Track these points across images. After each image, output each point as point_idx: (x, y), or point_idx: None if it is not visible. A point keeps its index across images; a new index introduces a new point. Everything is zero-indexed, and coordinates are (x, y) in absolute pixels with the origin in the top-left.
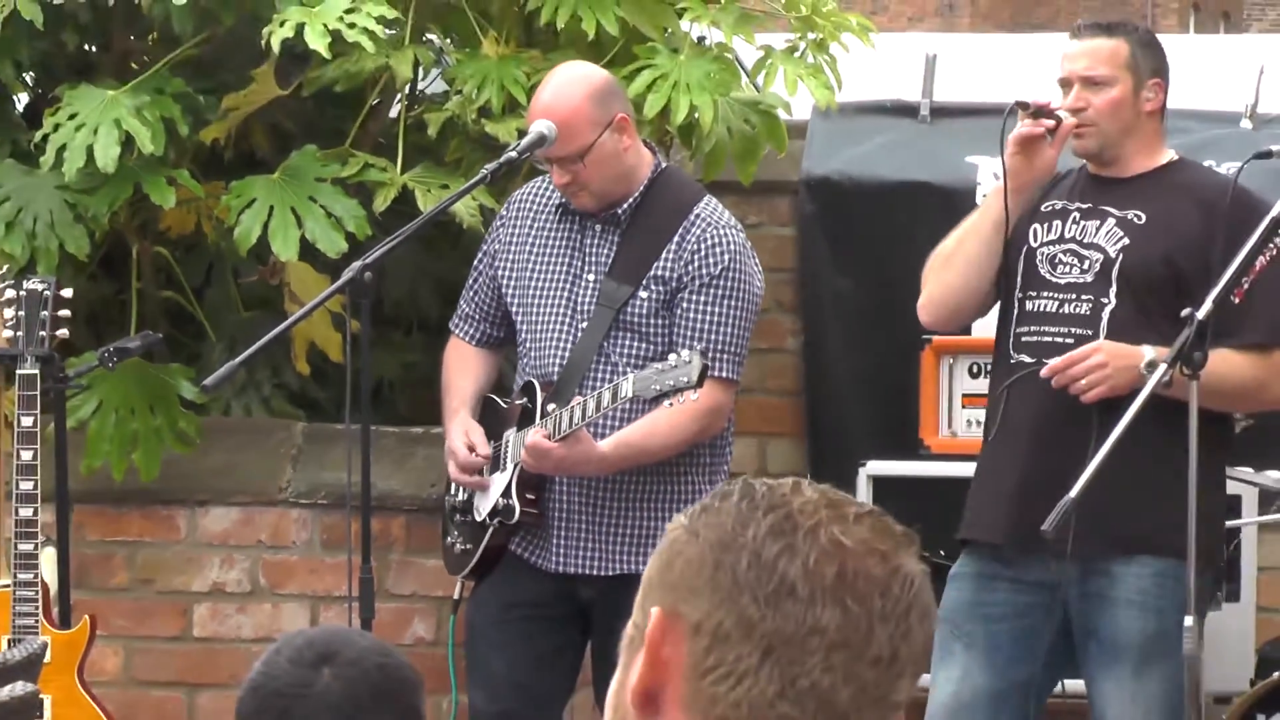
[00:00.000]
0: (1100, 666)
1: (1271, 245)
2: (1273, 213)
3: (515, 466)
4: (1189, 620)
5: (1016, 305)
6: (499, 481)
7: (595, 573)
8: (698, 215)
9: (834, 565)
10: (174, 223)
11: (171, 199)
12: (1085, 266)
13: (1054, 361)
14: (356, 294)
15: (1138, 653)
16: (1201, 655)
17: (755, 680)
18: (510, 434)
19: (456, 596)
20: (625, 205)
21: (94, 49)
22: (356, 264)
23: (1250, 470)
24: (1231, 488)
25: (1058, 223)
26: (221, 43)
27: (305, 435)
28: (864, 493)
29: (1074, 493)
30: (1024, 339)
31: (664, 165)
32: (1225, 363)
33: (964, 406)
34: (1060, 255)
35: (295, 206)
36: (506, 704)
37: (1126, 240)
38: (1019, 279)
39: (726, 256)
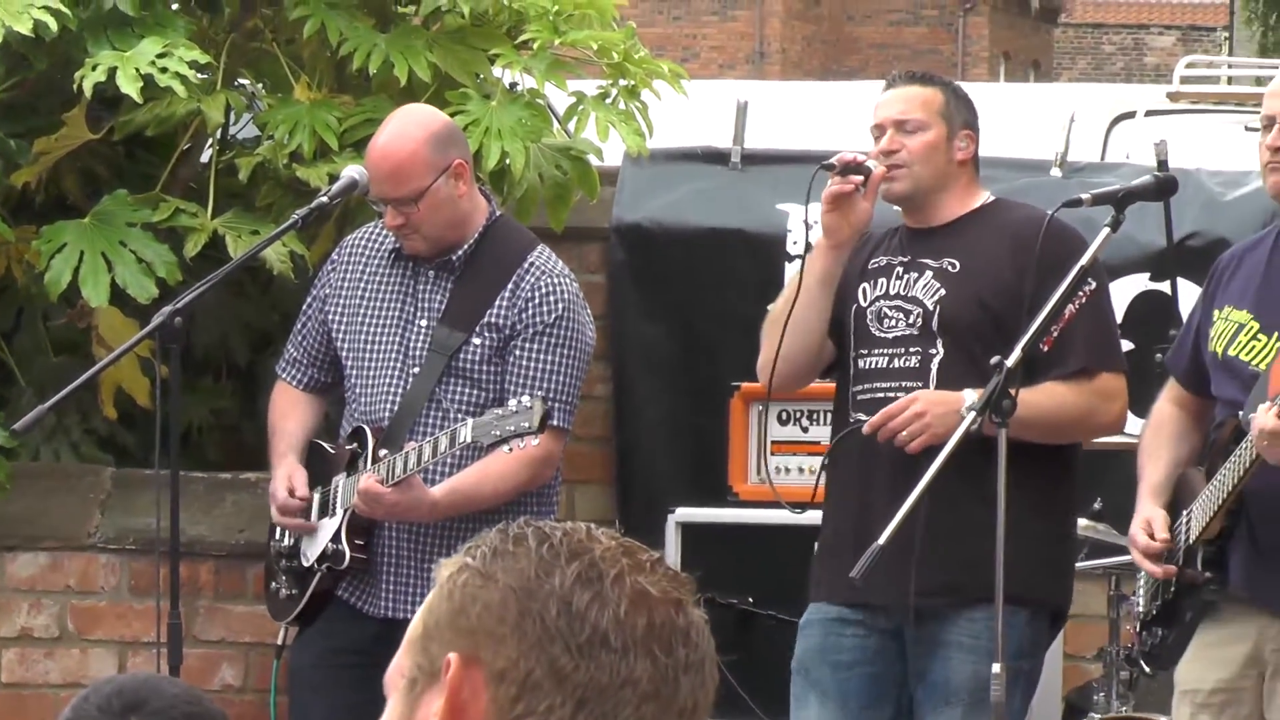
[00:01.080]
0: (931, 710)
1: (1081, 293)
2: (1081, 261)
3: (346, 512)
4: (997, 667)
5: (852, 364)
6: (328, 526)
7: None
8: (531, 264)
9: (644, 616)
10: None
11: None
12: (910, 320)
13: (874, 418)
14: (166, 339)
15: (968, 696)
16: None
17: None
18: (340, 479)
19: (280, 642)
20: (459, 252)
21: None
22: (166, 309)
23: None
24: None
25: (883, 279)
26: (33, 87)
27: (114, 480)
28: (673, 539)
29: (882, 540)
30: (859, 398)
31: (498, 213)
32: (1050, 395)
33: (773, 453)
34: (886, 310)
35: (106, 251)
36: None
37: (943, 291)
38: (852, 338)
39: (560, 305)
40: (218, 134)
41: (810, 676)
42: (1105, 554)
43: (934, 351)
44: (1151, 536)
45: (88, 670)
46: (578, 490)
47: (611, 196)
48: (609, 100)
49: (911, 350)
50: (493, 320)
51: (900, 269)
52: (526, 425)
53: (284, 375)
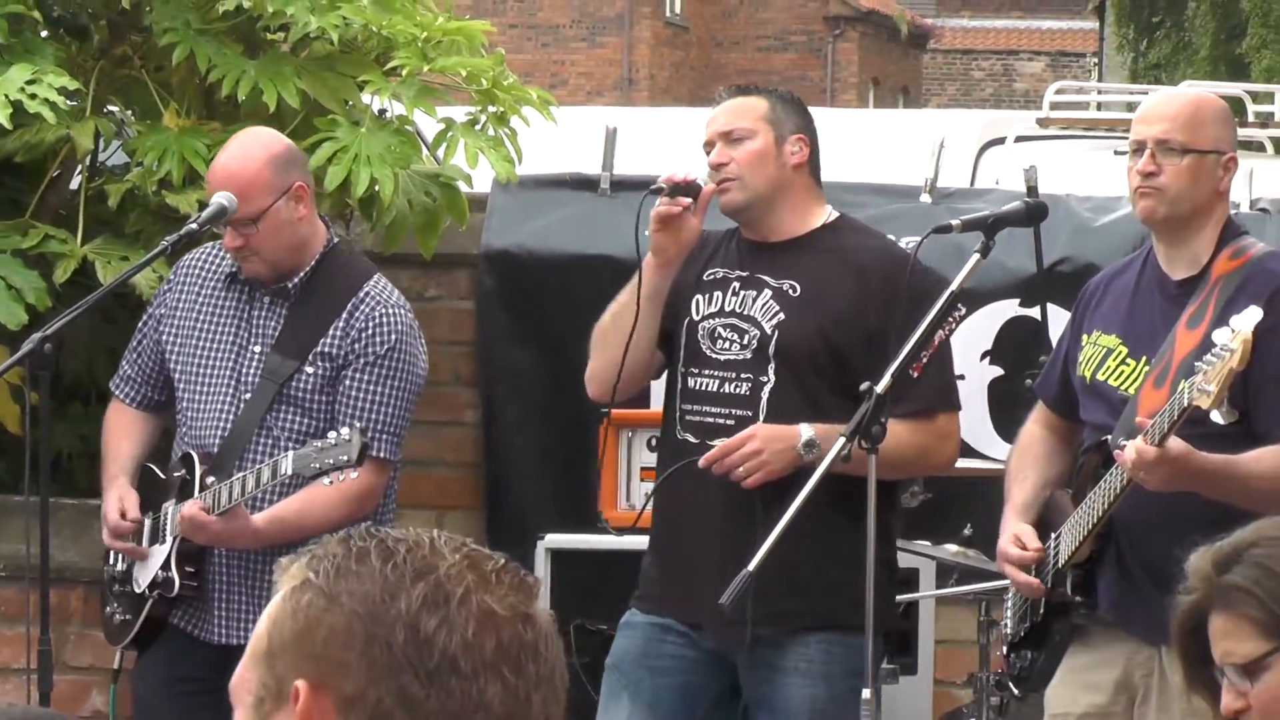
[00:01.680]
0: None
1: (950, 319)
2: (951, 287)
3: (175, 539)
4: (866, 693)
5: (680, 380)
6: (158, 554)
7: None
8: (367, 293)
9: (492, 638)
10: None
11: None
12: (744, 342)
13: (710, 452)
14: (36, 365)
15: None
16: None
17: None
18: (169, 506)
19: (116, 667)
20: (296, 279)
21: None
22: (36, 336)
23: (928, 544)
24: (909, 561)
25: (719, 293)
26: None
27: None
28: (542, 566)
29: (751, 567)
30: (688, 417)
31: (336, 241)
32: (892, 435)
33: (642, 479)
34: (720, 329)
35: None
36: None
37: (782, 315)
38: (682, 353)
39: (393, 336)
40: (87, 160)
41: (625, 676)
42: (975, 580)
43: (765, 380)
44: (1022, 545)
45: None
46: (446, 517)
47: (480, 223)
48: (478, 127)
49: (743, 377)
50: (326, 349)
51: (737, 284)
52: (345, 458)
53: (118, 392)
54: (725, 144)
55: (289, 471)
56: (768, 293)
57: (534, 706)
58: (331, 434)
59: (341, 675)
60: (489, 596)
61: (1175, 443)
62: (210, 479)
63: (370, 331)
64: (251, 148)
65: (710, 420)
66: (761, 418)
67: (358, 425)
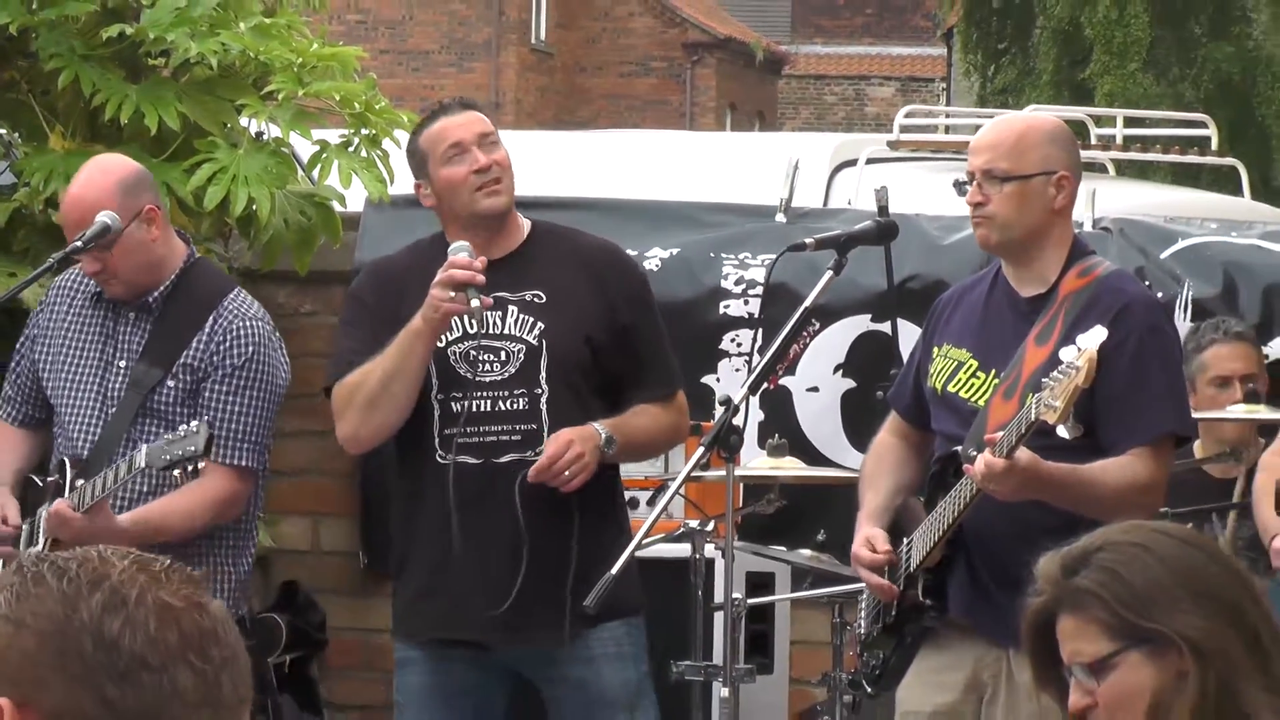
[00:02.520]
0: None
1: (804, 334)
2: (805, 303)
3: (47, 540)
4: (724, 691)
5: (438, 406)
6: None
7: None
8: (225, 306)
9: (173, 629)
10: None
11: None
12: (508, 360)
13: (538, 464)
14: None
15: (629, 701)
16: None
17: None
18: (44, 509)
19: None
20: (156, 294)
21: None
22: None
23: (783, 549)
24: (766, 565)
25: (457, 320)
26: None
27: None
28: None
29: (615, 570)
30: (459, 440)
31: (196, 256)
32: (652, 417)
33: None
34: (473, 353)
35: None
36: None
37: (542, 324)
38: (435, 381)
39: (250, 348)
40: None
41: (417, 714)
42: (828, 583)
43: (539, 391)
44: (872, 549)
45: None
46: (323, 523)
47: (354, 240)
48: (351, 149)
49: (517, 393)
50: (188, 361)
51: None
52: (193, 449)
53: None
54: (487, 147)
55: (142, 464)
56: (514, 308)
57: (224, 687)
58: (181, 426)
59: (42, 691)
60: (163, 592)
61: (1023, 453)
62: (80, 481)
63: (229, 343)
64: (98, 175)
65: (493, 439)
66: (546, 427)
67: (205, 419)
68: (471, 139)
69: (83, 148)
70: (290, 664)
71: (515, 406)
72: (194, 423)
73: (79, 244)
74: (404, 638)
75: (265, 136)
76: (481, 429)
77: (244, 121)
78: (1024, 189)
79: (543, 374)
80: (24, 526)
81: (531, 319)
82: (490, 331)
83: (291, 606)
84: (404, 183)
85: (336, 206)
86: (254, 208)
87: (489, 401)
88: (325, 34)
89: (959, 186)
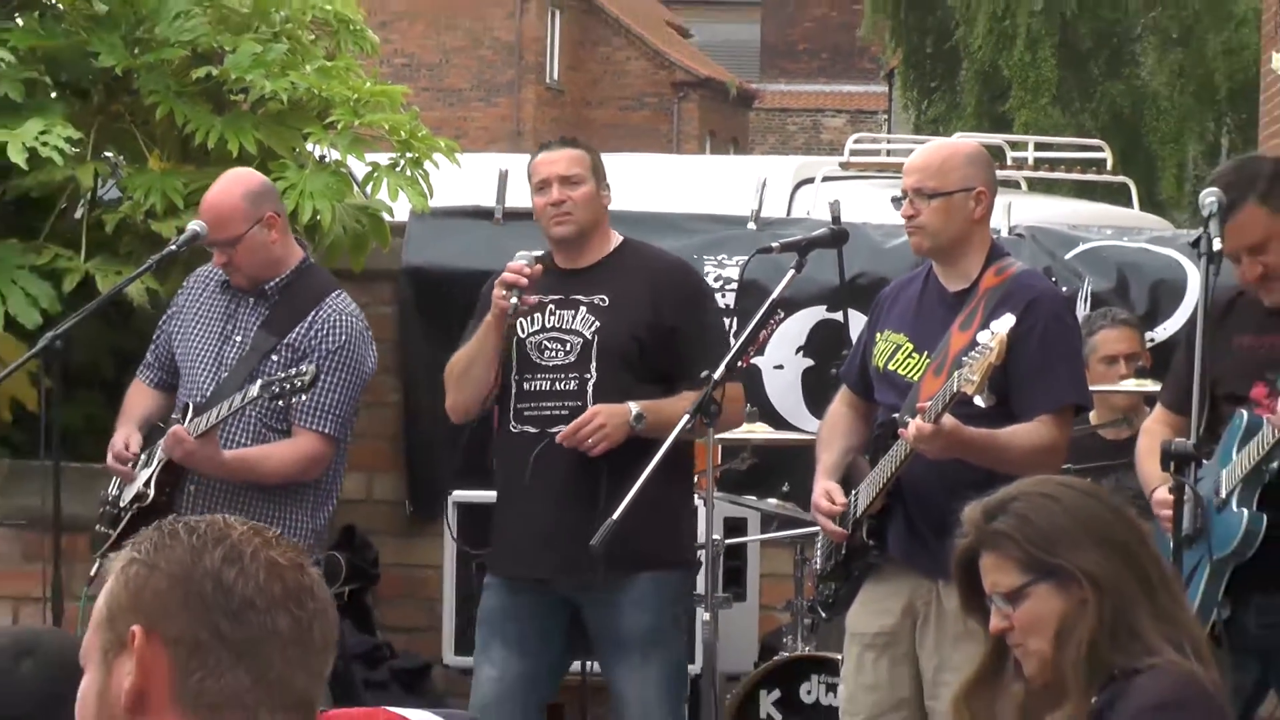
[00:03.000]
0: (615, 658)
1: (771, 322)
2: (772, 296)
3: (159, 462)
4: (707, 616)
5: (515, 385)
6: (143, 475)
7: None
8: (328, 302)
9: (278, 581)
10: None
11: None
12: (568, 349)
13: (565, 430)
14: (49, 358)
15: (641, 644)
16: (716, 642)
17: (234, 675)
18: (165, 440)
19: (92, 574)
20: (272, 285)
21: None
22: (49, 334)
23: (754, 498)
24: (740, 512)
25: (538, 315)
26: None
27: (9, 470)
28: (452, 514)
29: (615, 515)
30: (526, 413)
31: (310, 261)
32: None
33: None
34: (545, 342)
35: (0, 288)
36: None
37: (598, 323)
38: (514, 365)
39: (344, 337)
40: (88, 195)
41: (492, 627)
42: (791, 526)
43: (588, 376)
44: (830, 499)
45: None
46: (375, 478)
47: (400, 245)
48: (398, 169)
49: (569, 375)
50: (291, 341)
51: (554, 306)
52: (299, 383)
53: (140, 376)
54: (564, 185)
55: (254, 394)
56: (583, 308)
57: (314, 633)
58: (293, 369)
59: (167, 621)
60: (273, 553)
61: (947, 420)
62: (197, 419)
63: (326, 331)
64: (231, 185)
65: (548, 413)
66: (589, 405)
67: (314, 364)
68: (554, 177)
69: (176, 168)
70: (349, 594)
71: (567, 387)
72: (305, 365)
73: (173, 247)
74: (490, 572)
75: (327, 159)
76: (540, 405)
77: (309, 147)
78: (948, 203)
79: (593, 363)
80: (142, 455)
81: (593, 318)
82: (561, 326)
83: (350, 546)
84: (442, 197)
85: (386, 216)
86: (318, 217)
87: (548, 382)
88: (376, 75)
89: (896, 202)
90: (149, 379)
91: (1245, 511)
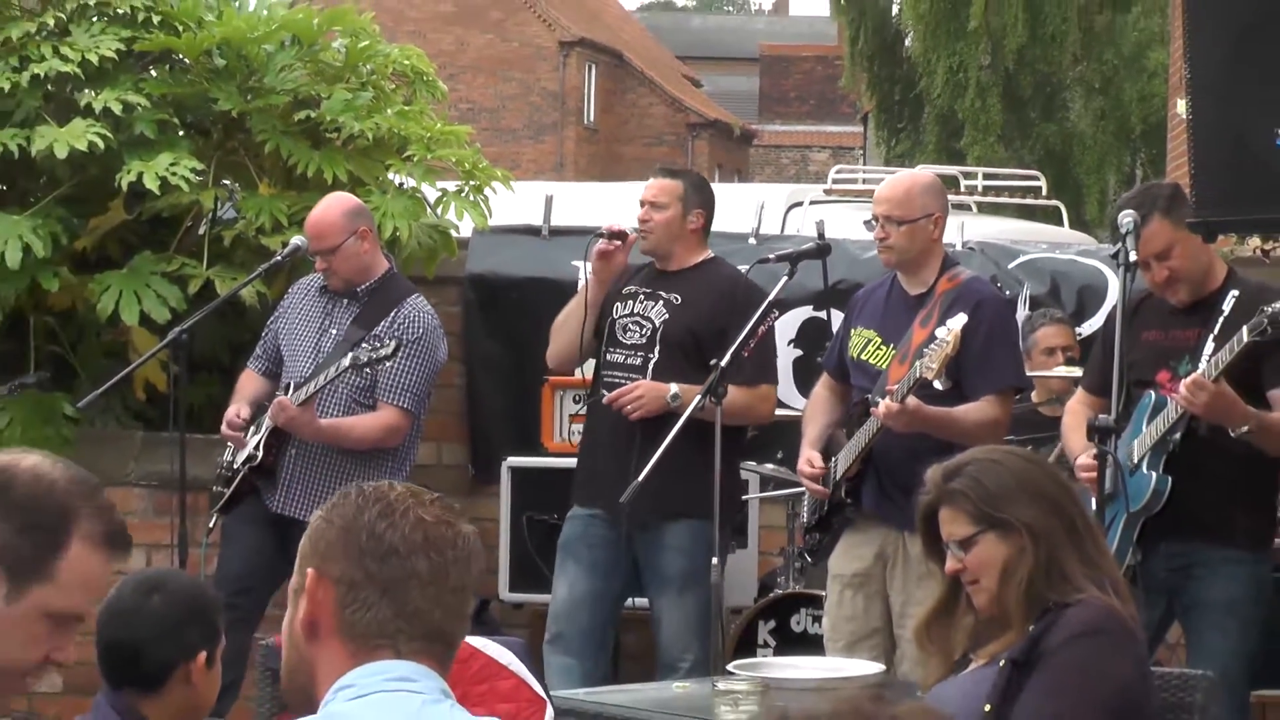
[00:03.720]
0: (657, 590)
1: (769, 319)
2: (769, 297)
3: (266, 428)
4: (715, 559)
5: (604, 355)
6: (253, 440)
7: (303, 518)
8: (408, 303)
9: (420, 532)
10: (57, 302)
11: (56, 286)
12: (642, 332)
13: (611, 394)
14: (177, 348)
15: (679, 581)
16: (723, 582)
17: (379, 609)
18: (272, 408)
19: (210, 525)
20: (363, 288)
21: (5, 188)
22: (177, 329)
23: (754, 464)
24: (743, 475)
25: (630, 301)
26: (88, 183)
27: (143, 440)
28: (506, 478)
29: (640, 477)
30: (606, 379)
31: (394, 271)
32: (731, 394)
33: (570, 422)
34: (629, 324)
35: (137, 290)
36: (233, 587)
37: (667, 315)
38: (605, 339)
39: (421, 330)
40: (209, 215)
41: (570, 551)
42: (784, 487)
43: (651, 356)
44: (811, 465)
45: (126, 565)
46: (443, 446)
47: (464, 256)
48: (463, 194)
49: (638, 353)
50: (377, 333)
51: (643, 297)
52: (385, 353)
53: (250, 365)
54: (650, 209)
55: (346, 364)
56: (661, 302)
57: (451, 575)
58: (381, 340)
59: (332, 563)
60: (422, 511)
61: (911, 400)
62: (297, 393)
63: (406, 325)
64: (332, 204)
65: (618, 380)
66: (648, 379)
67: (398, 337)
68: (645, 200)
69: (281, 193)
70: None
71: (634, 363)
72: (390, 340)
73: (279, 258)
74: (574, 498)
75: (405, 186)
76: (614, 374)
77: (391, 176)
78: (913, 228)
79: (657, 346)
80: (250, 426)
81: (666, 311)
82: (643, 313)
83: None
84: (499, 217)
85: (453, 233)
86: (397, 233)
87: (623, 356)
88: (445, 117)
89: (868, 224)
90: (258, 368)
91: (1154, 474)
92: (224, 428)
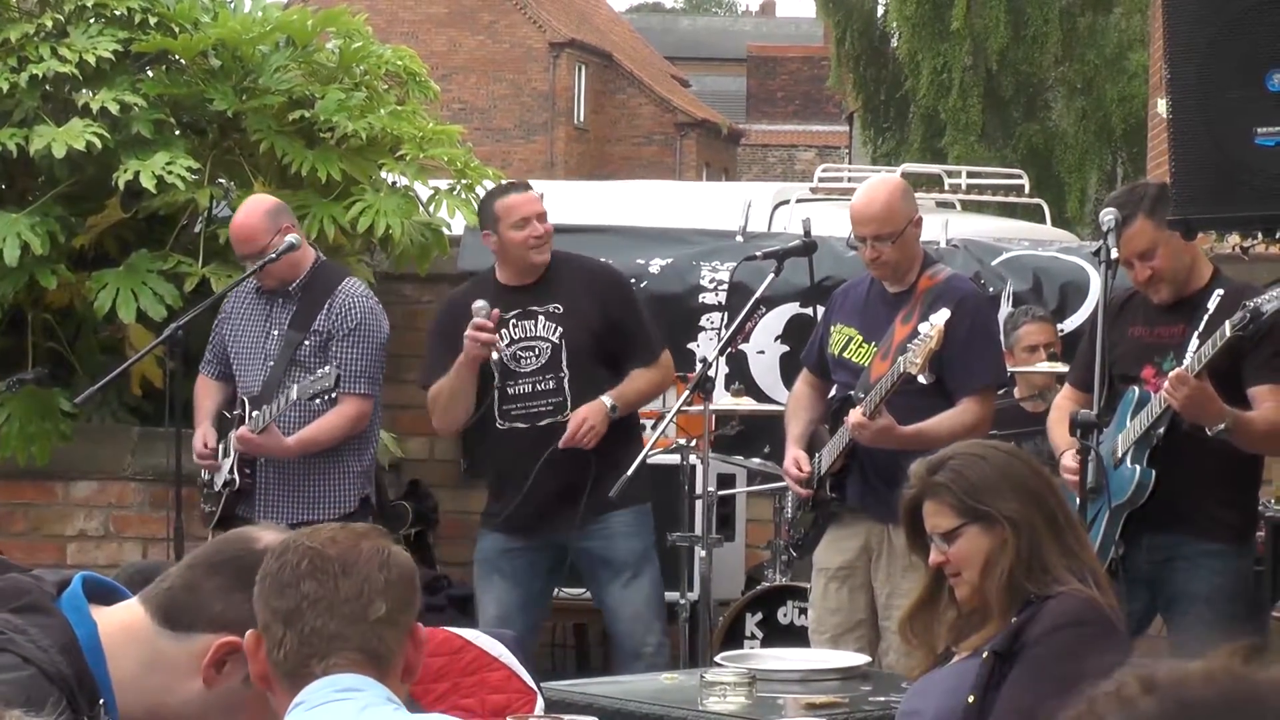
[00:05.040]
0: (606, 579)
1: (756, 315)
2: (756, 295)
3: (235, 454)
4: (703, 553)
5: (499, 392)
6: (226, 465)
7: (288, 521)
8: (341, 289)
9: (306, 560)
10: (55, 299)
11: (54, 283)
12: (538, 354)
13: (566, 436)
14: (173, 344)
15: (634, 566)
16: (710, 575)
17: (288, 640)
18: (232, 433)
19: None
20: (295, 284)
21: (3, 187)
22: (173, 325)
23: (741, 458)
24: (729, 469)
25: (504, 330)
26: (85, 182)
27: (139, 435)
28: None
29: (629, 473)
30: (513, 413)
31: (322, 261)
32: (646, 377)
33: None
34: (519, 353)
35: (133, 288)
36: None
37: (560, 329)
38: (496, 375)
39: (359, 314)
40: (205, 213)
41: (490, 564)
42: (770, 481)
43: (563, 374)
44: (799, 468)
45: (123, 556)
46: (436, 441)
47: (456, 253)
48: (455, 192)
49: (546, 377)
50: (317, 327)
51: (514, 320)
52: (326, 384)
53: (203, 371)
54: (541, 220)
55: (294, 397)
56: (541, 317)
57: (342, 588)
58: (319, 371)
59: (256, 619)
60: (312, 541)
61: (883, 419)
62: (254, 413)
63: (344, 313)
64: (252, 207)
65: (535, 410)
66: (569, 401)
67: (334, 364)
68: (533, 214)
69: (276, 191)
70: (414, 535)
71: (547, 387)
72: (326, 368)
73: (272, 255)
74: (484, 525)
75: (398, 184)
76: (526, 405)
77: (384, 174)
78: (902, 240)
79: (563, 362)
80: (220, 446)
81: (554, 324)
82: (527, 335)
83: (414, 496)
84: None
85: (445, 230)
86: (390, 231)
87: (529, 385)
88: (437, 117)
89: (851, 245)
90: (210, 372)
91: (1138, 468)
92: (195, 457)
